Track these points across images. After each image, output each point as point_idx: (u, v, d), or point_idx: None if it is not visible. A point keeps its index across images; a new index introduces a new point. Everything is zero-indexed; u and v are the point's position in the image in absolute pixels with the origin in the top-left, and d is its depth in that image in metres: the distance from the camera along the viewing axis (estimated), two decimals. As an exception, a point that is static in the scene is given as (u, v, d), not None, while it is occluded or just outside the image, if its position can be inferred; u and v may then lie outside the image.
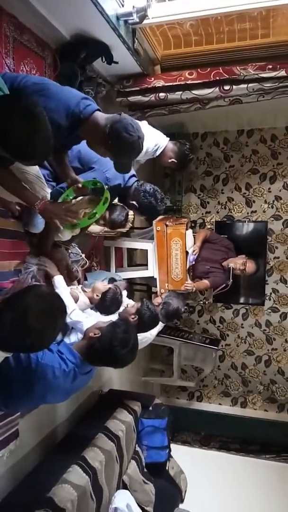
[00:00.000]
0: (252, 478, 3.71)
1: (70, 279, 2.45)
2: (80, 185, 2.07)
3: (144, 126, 2.40)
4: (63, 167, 2.07)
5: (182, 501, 3.39)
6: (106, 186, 2.19)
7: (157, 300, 2.97)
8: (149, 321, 2.49)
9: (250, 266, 3.72)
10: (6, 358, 1.41)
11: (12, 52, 2.28)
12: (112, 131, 1.65)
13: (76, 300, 2.33)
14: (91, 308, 2.51)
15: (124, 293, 2.93)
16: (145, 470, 3.08)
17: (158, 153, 2.84)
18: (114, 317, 2.58)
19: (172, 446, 3.53)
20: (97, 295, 2.42)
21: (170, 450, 3.43)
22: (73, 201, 2.10)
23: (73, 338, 2.32)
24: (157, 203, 2.57)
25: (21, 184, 1.83)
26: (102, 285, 2.50)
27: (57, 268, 2.26)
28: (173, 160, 2.87)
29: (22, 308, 1.26)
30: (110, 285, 2.51)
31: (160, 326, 3.02)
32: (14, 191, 1.84)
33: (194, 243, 3.57)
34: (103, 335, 1.74)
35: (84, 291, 2.49)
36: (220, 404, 4.90)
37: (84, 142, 1.89)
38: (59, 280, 2.20)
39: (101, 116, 1.70)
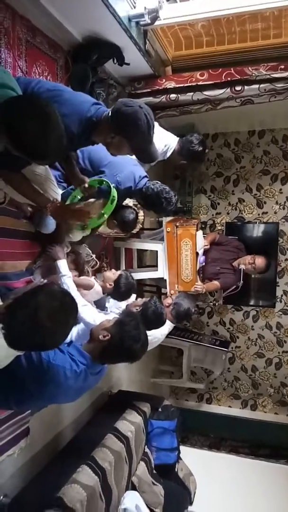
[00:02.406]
0: (262, 482, 3.67)
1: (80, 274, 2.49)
2: (86, 185, 2.08)
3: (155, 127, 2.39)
4: (70, 167, 2.09)
5: (191, 503, 3.38)
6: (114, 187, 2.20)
7: (167, 301, 2.97)
8: (153, 317, 2.47)
9: (260, 261, 3.65)
10: (18, 357, 1.42)
11: (24, 55, 2.30)
12: (113, 114, 1.63)
13: (90, 288, 2.35)
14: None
15: (133, 296, 2.95)
16: (154, 471, 3.08)
17: (168, 154, 2.83)
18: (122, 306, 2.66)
19: (181, 448, 3.52)
20: (110, 284, 2.47)
21: (179, 452, 3.42)
22: (84, 203, 2.12)
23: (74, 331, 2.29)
24: (163, 202, 2.54)
25: (33, 187, 1.85)
26: (112, 273, 2.53)
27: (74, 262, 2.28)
28: (182, 161, 2.86)
29: (33, 306, 1.27)
30: (119, 272, 2.55)
31: (170, 326, 3.02)
32: (27, 194, 1.87)
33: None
34: (112, 336, 1.72)
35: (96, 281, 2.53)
36: (229, 406, 4.87)
37: (94, 146, 1.90)
38: (61, 264, 2.14)
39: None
